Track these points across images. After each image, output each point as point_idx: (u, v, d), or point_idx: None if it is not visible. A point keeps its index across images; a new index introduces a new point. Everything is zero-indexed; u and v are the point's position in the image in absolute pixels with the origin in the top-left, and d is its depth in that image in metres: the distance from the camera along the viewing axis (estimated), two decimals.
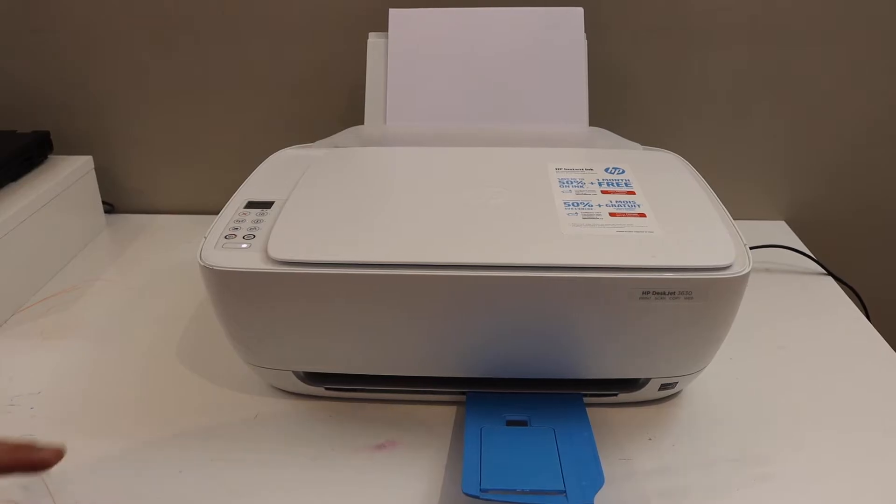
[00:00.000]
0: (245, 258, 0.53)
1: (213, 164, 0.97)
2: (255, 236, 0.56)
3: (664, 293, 0.51)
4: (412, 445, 0.58)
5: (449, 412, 0.62)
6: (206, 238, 0.56)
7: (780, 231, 0.95)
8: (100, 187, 0.95)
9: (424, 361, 0.58)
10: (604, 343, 0.55)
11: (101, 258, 0.90)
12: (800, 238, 0.93)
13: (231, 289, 0.54)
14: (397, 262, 0.52)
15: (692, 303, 0.52)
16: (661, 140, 0.79)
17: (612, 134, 0.76)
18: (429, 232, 0.55)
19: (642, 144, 0.75)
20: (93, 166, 0.93)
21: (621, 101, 0.90)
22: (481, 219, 0.56)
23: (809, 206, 0.96)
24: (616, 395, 0.61)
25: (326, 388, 0.62)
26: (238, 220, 0.59)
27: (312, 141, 0.76)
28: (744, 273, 0.51)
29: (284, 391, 0.64)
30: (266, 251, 0.53)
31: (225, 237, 0.56)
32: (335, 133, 0.77)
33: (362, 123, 0.78)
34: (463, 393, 0.61)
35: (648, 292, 0.51)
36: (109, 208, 1.00)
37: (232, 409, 0.62)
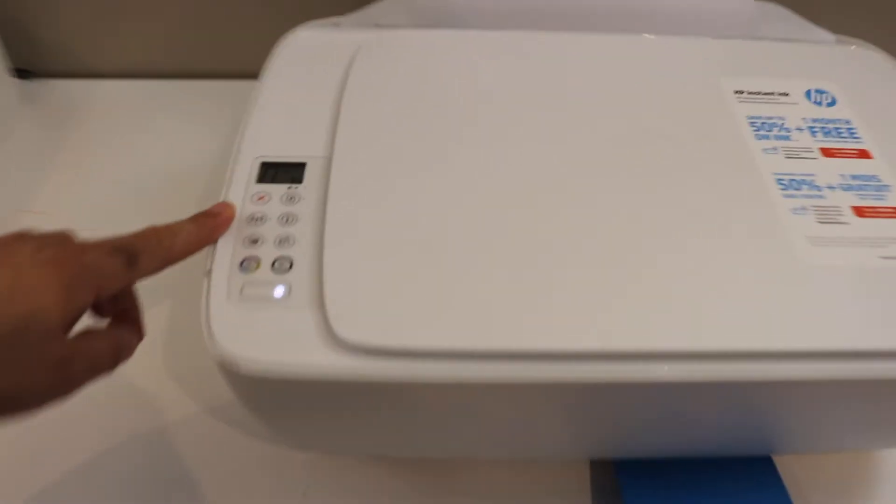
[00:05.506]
0: (289, 337, 0.30)
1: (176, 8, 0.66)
2: (291, 265, 0.33)
3: None
4: None
5: (578, 471, 0.45)
6: (210, 270, 0.33)
7: None
8: (6, 46, 0.68)
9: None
10: (840, 432, 0.37)
11: (22, 158, 0.63)
12: None
13: (273, 395, 0.33)
14: (552, 351, 0.30)
15: None
16: (854, 22, 0.54)
17: (788, 13, 0.52)
18: (592, 286, 0.32)
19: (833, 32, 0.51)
20: None
21: None
22: (659, 239, 0.34)
23: None
24: None
25: None
26: (255, 216, 0.35)
27: (338, 11, 0.50)
28: None
29: None
30: (327, 321, 0.30)
31: (240, 265, 0.33)
32: None
33: None
34: None
35: None
36: (24, 74, 0.72)
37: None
